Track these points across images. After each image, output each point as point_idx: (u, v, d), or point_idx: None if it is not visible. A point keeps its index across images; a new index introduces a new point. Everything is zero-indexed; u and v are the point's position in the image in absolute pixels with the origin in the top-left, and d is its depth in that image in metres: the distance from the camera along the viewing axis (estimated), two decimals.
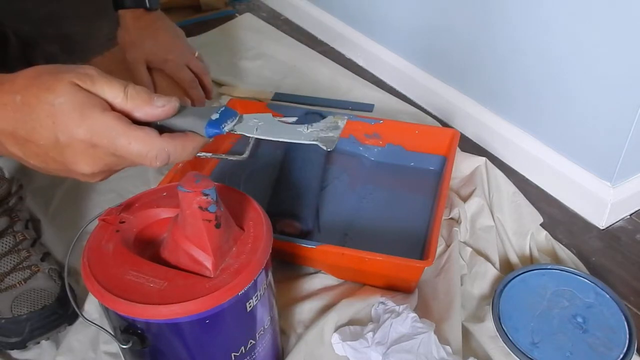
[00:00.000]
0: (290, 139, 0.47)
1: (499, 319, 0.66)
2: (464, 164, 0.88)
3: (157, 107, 0.44)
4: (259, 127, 0.48)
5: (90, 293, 0.60)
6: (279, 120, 0.49)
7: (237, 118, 0.48)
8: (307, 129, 0.48)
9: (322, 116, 0.90)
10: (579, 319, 0.66)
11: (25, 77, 0.43)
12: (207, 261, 0.48)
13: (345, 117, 0.50)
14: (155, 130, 0.44)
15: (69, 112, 0.42)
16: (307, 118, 0.89)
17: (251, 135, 0.48)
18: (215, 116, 0.47)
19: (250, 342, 0.53)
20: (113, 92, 0.43)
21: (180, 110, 0.47)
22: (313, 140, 0.47)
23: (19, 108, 0.42)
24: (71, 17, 0.87)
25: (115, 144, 0.43)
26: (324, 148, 0.47)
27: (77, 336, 0.66)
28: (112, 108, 0.44)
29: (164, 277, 0.48)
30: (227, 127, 0.47)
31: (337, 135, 0.48)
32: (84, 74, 0.43)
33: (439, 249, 0.75)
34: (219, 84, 1.10)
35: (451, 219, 0.80)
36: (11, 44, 0.84)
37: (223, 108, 0.48)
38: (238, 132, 0.48)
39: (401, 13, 1.07)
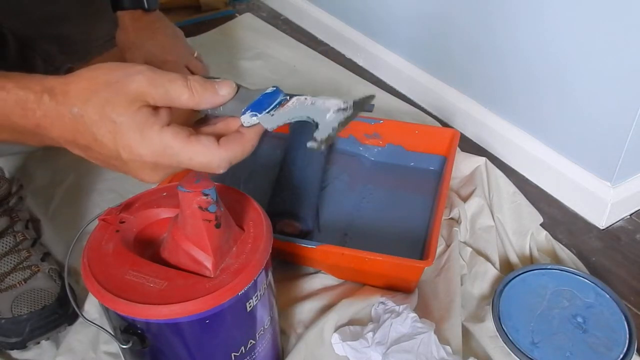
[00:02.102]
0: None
1: (499, 319, 0.66)
2: (464, 164, 0.88)
3: (221, 96, 0.45)
4: (291, 113, 0.46)
5: (90, 293, 0.60)
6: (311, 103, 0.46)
7: (279, 101, 0.46)
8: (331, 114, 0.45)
9: None
10: (579, 319, 0.66)
11: (79, 89, 0.43)
12: (207, 261, 0.48)
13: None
14: (212, 139, 0.44)
15: (130, 131, 0.42)
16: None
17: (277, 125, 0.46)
18: (252, 98, 0.45)
19: (250, 342, 0.53)
20: (177, 90, 0.43)
21: None
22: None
23: (77, 120, 0.42)
24: (70, 17, 0.87)
25: (178, 160, 0.43)
26: (314, 146, 0.44)
27: (77, 336, 0.66)
28: (178, 104, 0.44)
29: (164, 277, 0.48)
30: (263, 116, 0.45)
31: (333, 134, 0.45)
32: (144, 83, 0.43)
33: (439, 249, 0.75)
34: None
35: (451, 219, 0.80)
36: (9, 44, 0.84)
37: (270, 89, 0.46)
38: (270, 126, 0.45)
39: (401, 13, 1.07)
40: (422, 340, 0.61)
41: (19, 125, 0.44)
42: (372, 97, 0.47)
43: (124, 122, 0.42)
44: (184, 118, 0.46)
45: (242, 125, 0.46)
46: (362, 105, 0.46)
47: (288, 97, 0.46)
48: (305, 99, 0.46)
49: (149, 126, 0.42)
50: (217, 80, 0.46)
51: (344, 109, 0.45)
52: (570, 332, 0.65)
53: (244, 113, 0.45)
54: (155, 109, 0.43)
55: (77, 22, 0.88)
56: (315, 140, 0.44)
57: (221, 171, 0.45)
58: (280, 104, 0.46)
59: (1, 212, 0.71)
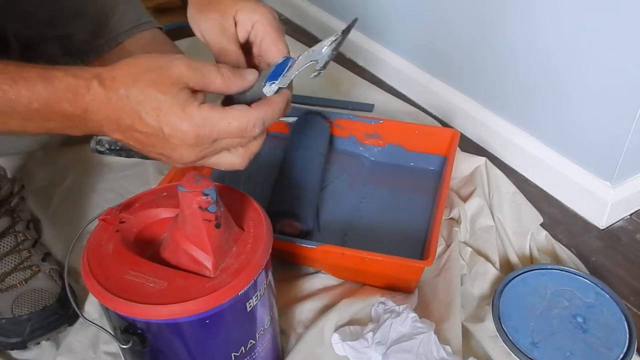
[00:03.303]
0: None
1: (499, 319, 0.66)
2: (464, 164, 0.88)
3: (248, 81, 0.51)
4: (297, 68, 0.52)
5: (90, 293, 0.60)
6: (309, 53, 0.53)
7: (289, 65, 0.52)
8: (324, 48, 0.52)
9: (323, 116, 0.90)
10: (579, 319, 0.66)
11: (125, 73, 0.47)
12: (207, 261, 0.48)
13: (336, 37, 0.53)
14: (245, 105, 0.50)
15: (173, 109, 0.47)
16: (307, 118, 0.89)
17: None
18: (268, 73, 0.52)
19: (250, 342, 0.53)
20: (211, 75, 0.49)
21: None
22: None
23: (123, 100, 0.47)
24: (72, 18, 0.87)
25: (218, 129, 0.48)
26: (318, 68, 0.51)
27: (77, 336, 0.67)
28: (212, 88, 0.49)
29: (164, 277, 0.48)
30: (279, 80, 0.51)
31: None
32: (183, 68, 0.48)
33: (439, 249, 0.75)
34: None
35: (451, 219, 0.80)
36: (12, 46, 0.84)
37: (281, 60, 0.53)
38: (285, 84, 0.52)
39: (401, 13, 1.07)
40: (422, 340, 0.61)
41: (68, 111, 0.48)
42: (355, 20, 0.53)
43: (167, 100, 0.47)
44: None
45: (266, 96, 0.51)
46: (349, 30, 0.52)
47: (295, 58, 0.53)
48: (307, 51, 0.53)
49: (190, 103, 0.47)
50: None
51: (335, 40, 0.52)
52: (570, 332, 0.65)
53: (264, 86, 0.51)
54: (194, 91, 0.48)
55: (78, 23, 0.88)
56: (316, 70, 0.51)
57: (257, 131, 0.49)
58: (290, 66, 0.52)
59: (3, 212, 0.71)
